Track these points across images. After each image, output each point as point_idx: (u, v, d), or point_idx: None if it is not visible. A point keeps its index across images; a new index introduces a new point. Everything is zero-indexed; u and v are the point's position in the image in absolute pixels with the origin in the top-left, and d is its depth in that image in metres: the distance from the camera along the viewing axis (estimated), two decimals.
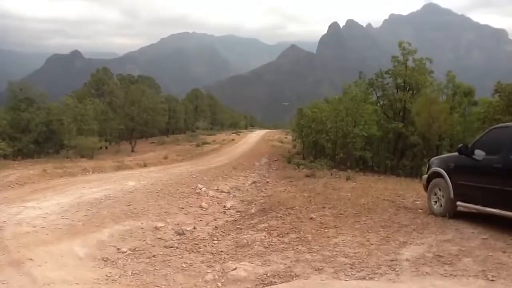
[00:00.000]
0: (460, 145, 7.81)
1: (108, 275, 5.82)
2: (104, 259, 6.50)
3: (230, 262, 6.24)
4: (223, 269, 5.90)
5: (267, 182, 16.73)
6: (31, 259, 6.05)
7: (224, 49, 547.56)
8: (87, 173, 18.51)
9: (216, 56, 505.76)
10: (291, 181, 15.87)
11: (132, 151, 40.46)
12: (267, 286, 5.26)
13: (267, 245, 7.06)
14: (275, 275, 5.56)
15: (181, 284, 5.55)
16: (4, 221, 8.12)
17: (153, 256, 6.73)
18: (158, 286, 5.47)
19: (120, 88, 54.49)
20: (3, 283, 5.10)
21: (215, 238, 7.91)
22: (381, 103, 28.73)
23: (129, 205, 10.04)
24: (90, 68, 79.65)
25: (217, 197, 12.62)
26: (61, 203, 10.05)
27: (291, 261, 6.04)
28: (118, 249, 7.00)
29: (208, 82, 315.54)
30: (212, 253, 6.91)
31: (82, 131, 34.31)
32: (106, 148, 42.10)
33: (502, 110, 21.29)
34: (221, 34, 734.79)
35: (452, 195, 7.61)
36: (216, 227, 8.93)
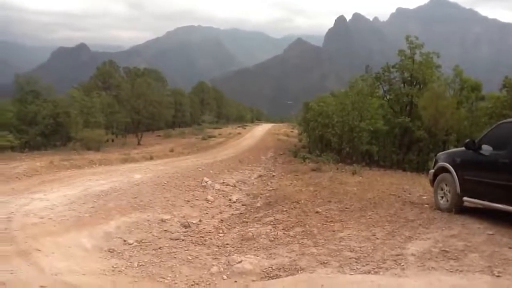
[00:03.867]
0: (467, 140, 7.78)
1: (115, 266, 5.87)
2: (111, 250, 6.55)
3: (235, 255, 6.27)
4: (228, 262, 5.94)
5: (273, 175, 16.74)
6: (39, 250, 6.10)
7: (230, 43, 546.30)
8: (94, 166, 18.60)
9: (222, 49, 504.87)
10: (297, 175, 15.87)
11: (139, 144, 40.54)
12: (272, 279, 5.29)
13: (272, 239, 7.09)
14: (280, 268, 5.59)
15: (186, 276, 5.58)
16: (12, 212, 8.19)
17: (159, 248, 6.78)
18: (163, 278, 5.51)
19: (126, 81, 54.50)
20: (12, 273, 5.15)
21: (221, 231, 7.95)
22: (388, 97, 28.50)
23: (135, 197, 10.09)
24: (96, 61, 79.81)
25: (223, 190, 12.66)
26: (68, 195, 10.12)
27: (297, 255, 6.07)
28: (125, 240, 7.05)
29: (214, 75, 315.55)
30: (218, 246, 6.94)
31: (88, 124, 34.42)
32: (113, 141, 42.21)
33: (510, 105, 21.12)
34: (227, 27, 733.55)
35: (458, 190, 7.59)
36: (221, 220, 8.97)
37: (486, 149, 7.15)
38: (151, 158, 23.47)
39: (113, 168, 17.86)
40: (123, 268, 5.82)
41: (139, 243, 6.99)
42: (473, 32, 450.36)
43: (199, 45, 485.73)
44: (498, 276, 4.70)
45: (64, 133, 34.00)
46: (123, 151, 28.36)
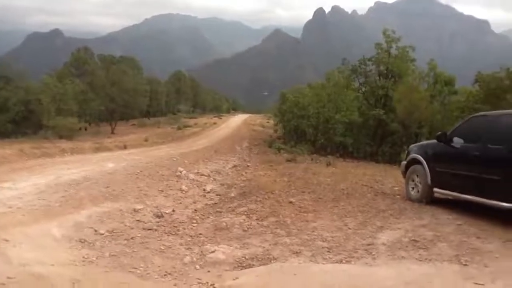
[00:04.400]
0: (439, 132, 7.92)
1: (85, 256, 5.76)
2: (81, 240, 6.41)
3: (208, 244, 6.24)
4: (201, 252, 5.91)
5: (248, 166, 16.73)
6: (6, 240, 5.93)
7: (208, 32, 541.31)
8: (66, 154, 18.23)
9: (200, 38, 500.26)
10: (271, 166, 15.91)
11: (112, 133, 40.01)
12: (245, 268, 5.30)
13: (246, 229, 7.09)
14: (253, 258, 5.60)
15: (159, 266, 5.53)
16: None
17: (131, 238, 6.68)
18: (135, 268, 5.43)
19: (101, 68, 53.55)
20: None
21: (194, 221, 7.89)
22: (363, 89, 28.84)
23: (107, 187, 9.93)
24: (71, 47, 77.93)
25: (197, 180, 12.56)
26: (38, 184, 9.88)
27: (270, 244, 6.08)
28: (96, 230, 6.91)
29: (191, 64, 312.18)
30: (191, 236, 6.89)
31: (61, 112, 33.74)
32: (86, 129, 41.53)
33: (482, 99, 21.61)
34: (205, 16, 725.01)
35: (429, 182, 7.73)
36: (195, 210, 8.91)
37: (458, 141, 7.29)
38: (125, 147, 23.16)
39: (86, 157, 17.55)
40: (94, 259, 5.71)
41: (111, 233, 6.87)
42: (449, 27, 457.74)
43: (177, 34, 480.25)
44: (465, 265, 4.82)
45: (35, 121, 33.22)
46: (96, 140, 27.94)
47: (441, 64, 30.45)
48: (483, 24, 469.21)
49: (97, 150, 21.03)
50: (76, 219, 7.36)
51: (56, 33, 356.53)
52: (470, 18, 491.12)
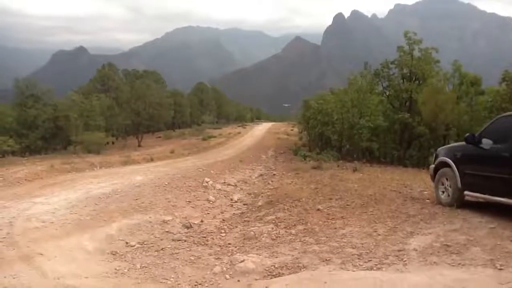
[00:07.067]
0: (467, 134, 7.76)
1: (117, 268, 5.86)
2: (113, 252, 6.54)
3: (238, 254, 6.27)
4: (231, 261, 5.93)
5: (274, 174, 16.73)
6: (41, 254, 6.10)
7: (228, 42, 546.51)
8: (95, 168, 18.59)
9: (221, 49, 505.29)
10: (297, 173, 15.86)
11: (139, 146, 40.57)
12: (275, 277, 5.29)
13: (274, 237, 7.09)
14: (283, 267, 5.59)
15: (189, 276, 5.58)
16: (14, 217, 8.19)
17: (162, 249, 6.77)
18: (166, 279, 5.50)
19: (126, 83, 54.61)
20: (14, 278, 5.15)
21: (223, 231, 7.95)
22: (387, 93, 28.49)
23: (136, 199, 10.10)
24: (96, 63, 79.91)
25: (224, 190, 12.66)
26: (70, 198, 10.12)
27: (299, 253, 6.07)
28: (127, 242, 7.04)
29: (213, 75, 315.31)
30: (220, 246, 6.94)
31: (88, 127, 34.52)
32: (113, 143, 42.26)
33: (510, 98, 21.11)
34: (226, 27, 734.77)
35: (459, 185, 7.57)
36: (223, 220, 8.97)
37: (487, 143, 7.13)
38: (152, 160, 23.46)
39: (114, 170, 17.86)
40: (125, 270, 5.81)
41: (141, 244, 6.99)
42: (472, 27, 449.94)
43: (197, 46, 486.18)
44: (500, 269, 4.69)
45: (64, 137, 34.03)
46: (123, 153, 28.37)
47: (466, 64, 29.88)
48: (507, 21, 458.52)
49: (125, 163, 21.35)
50: (107, 231, 7.52)
51: (80, 51, 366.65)
52: (493, 15, 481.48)
